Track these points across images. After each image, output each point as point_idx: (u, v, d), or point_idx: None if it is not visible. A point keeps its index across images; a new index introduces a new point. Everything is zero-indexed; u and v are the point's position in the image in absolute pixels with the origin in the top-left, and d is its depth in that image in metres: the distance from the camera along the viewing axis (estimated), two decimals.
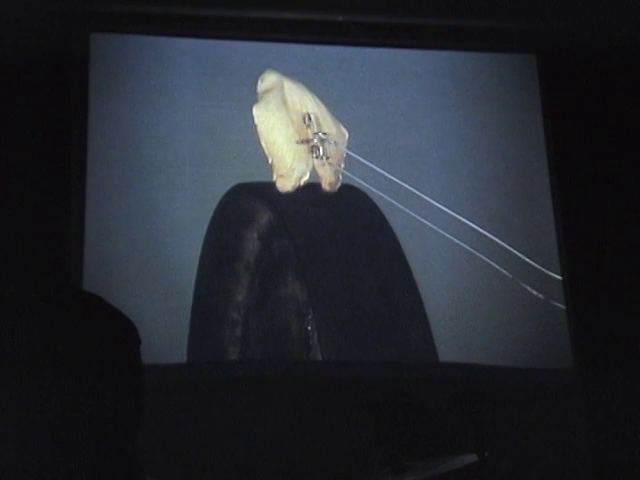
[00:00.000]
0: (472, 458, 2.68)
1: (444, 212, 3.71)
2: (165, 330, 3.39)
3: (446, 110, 3.87)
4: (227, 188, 3.64)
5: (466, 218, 3.72)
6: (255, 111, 3.71)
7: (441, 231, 3.68)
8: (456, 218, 3.71)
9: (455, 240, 3.68)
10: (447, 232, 3.69)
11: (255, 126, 3.70)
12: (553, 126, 3.88)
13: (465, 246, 3.68)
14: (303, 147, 3.74)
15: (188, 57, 3.79)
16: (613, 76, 3.88)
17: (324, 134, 3.73)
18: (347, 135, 3.76)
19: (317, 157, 3.72)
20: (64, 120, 3.56)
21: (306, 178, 3.71)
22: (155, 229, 3.56)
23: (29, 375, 1.63)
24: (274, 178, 3.68)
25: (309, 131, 3.75)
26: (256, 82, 3.74)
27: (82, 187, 3.48)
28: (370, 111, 3.81)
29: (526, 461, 3.32)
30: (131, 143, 3.64)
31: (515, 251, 3.71)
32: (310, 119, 3.74)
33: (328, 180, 3.73)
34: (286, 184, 3.68)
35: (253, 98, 3.72)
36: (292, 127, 3.74)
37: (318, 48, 3.89)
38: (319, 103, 3.77)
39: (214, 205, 3.62)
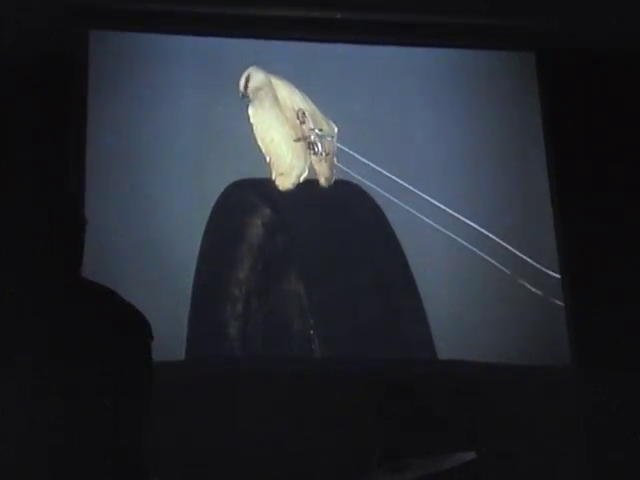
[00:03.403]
0: (470, 455, 2.69)
1: (443, 210, 3.71)
2: (164, 328, 3.38)
3: (444, 107, 3.87)
4: (226, 185, 3.65)
5: (464, 215, 3.72)
6: (250, 111, 3.70)
7: (440, 228, 3.69)
8: (454, 216, 3.71)
9: (453, 237, 3.69)
10: (446, 229, 3.69)
11: (251, 125, 3.70)
12: (552, 124, 3.88)
13: (464, 243, 3.68)
14: (300, 144, 3.74)
15: (187, 54, 3.79)
16: (612, 74, 3.88)
17: (320, 130, 3.74)
18: (336, 129, 3.76)
19: (314, 153, 3.73)
20: (64, 118, 3.56)
21: (305, 175, 3.72)
22: (154, 227, 3.57)
23: (42, 367, 1.65)
24: (273, 177, 3.69)
25: (304, 128, 3.75)
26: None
27: (82, 186, 3.48)
28: (368, 109, 3.81)
29: (524, 458, 3.34)
30: (130, 140, 3.65)
31: (514, 249, 3.72)
32: (305, 115, 3.75)
33: (325, 175, 3.73)
34: (286, 182, 3.69)
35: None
36: (287, 125, 3.74)
37: (316, 45, 3.89)
38: (307, 99, 3.78)
39: (213, 202, 3.62)
